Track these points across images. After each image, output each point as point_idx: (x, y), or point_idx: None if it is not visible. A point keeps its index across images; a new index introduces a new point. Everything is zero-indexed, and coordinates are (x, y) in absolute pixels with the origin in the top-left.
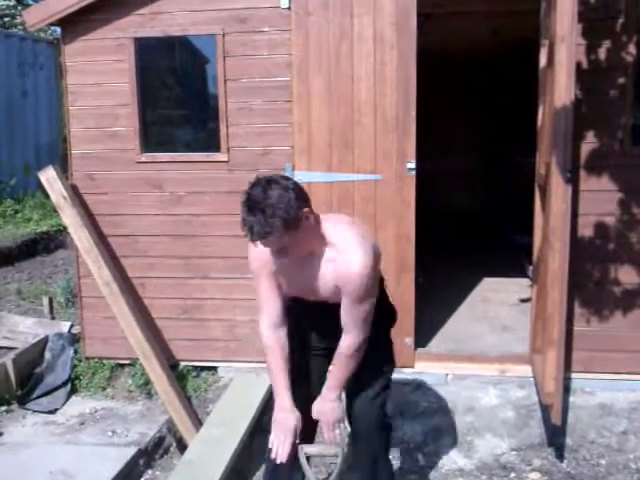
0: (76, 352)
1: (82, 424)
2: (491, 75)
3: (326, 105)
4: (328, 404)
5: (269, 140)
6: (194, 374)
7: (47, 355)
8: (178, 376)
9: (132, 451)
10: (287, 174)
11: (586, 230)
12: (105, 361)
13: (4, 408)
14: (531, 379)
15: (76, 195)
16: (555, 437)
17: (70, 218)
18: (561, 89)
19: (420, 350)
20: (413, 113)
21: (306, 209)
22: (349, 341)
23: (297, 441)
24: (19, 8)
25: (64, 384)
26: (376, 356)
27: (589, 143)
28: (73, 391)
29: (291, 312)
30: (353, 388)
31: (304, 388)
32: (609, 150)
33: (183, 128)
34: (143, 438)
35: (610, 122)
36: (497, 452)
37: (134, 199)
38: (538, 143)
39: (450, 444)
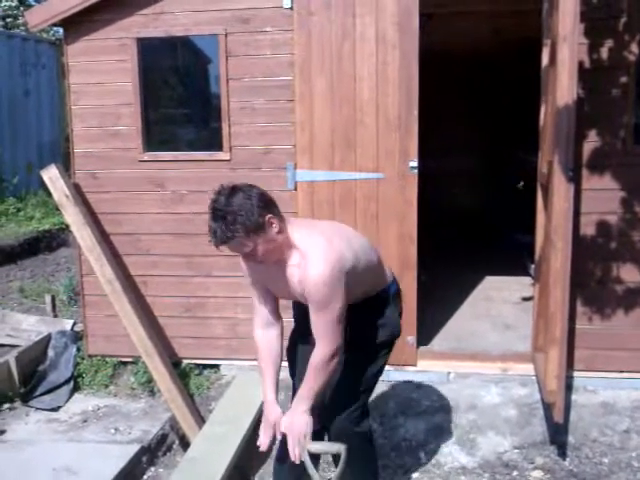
0: (79, 350)
1: (85, 421)
2: (493, 75)
3: (328, 104)
4: (296, 417)
5: (271, 139)
6: (196, 372)
7: (50, 353)
8: (180, 374)
9: (135, 448)
10: (289, 172)
11: (588, 229)
12: (108, 359)
13: (7, 405)
14: (533, 377)
15: (78, 193)
16: (557, 435)
17: (73, 216)
18: (563, 88)
19: (422, 348)
20: (415, 112)
21: (269, 215)
22: (317, 351)
23: (278, 435)
24: (21, 9)
25: (67, 382)
26: (353, 362)
27: (591, 142)
28: (76, 389)
29: (293, 310)
30: (329, 399)
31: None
32: (611, 149)
33: (185, 127)
34: (146, 435)
35: (612, 121)
36: (499, 450)
37: (136, 198)
38: (540, 142)
39: (452, 442)
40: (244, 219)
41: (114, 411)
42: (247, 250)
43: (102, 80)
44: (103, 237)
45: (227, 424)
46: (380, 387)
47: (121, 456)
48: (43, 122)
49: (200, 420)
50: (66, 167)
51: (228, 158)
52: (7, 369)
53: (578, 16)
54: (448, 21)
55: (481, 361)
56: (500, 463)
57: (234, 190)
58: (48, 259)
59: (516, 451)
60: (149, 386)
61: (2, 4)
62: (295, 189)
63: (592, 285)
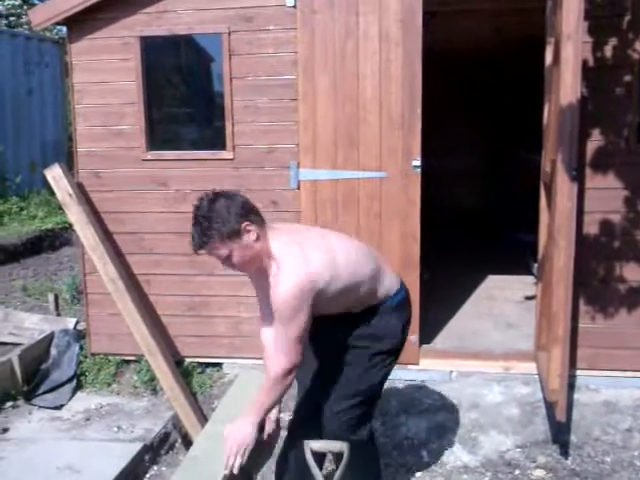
0: (82, 348)
1: (88, 420)
2: (495, 73)
3: (331, 103)
4: (240, 426)
5: (274, 138)
6: (199, 370)
7: (53, 351)
8: (183, 372)
9: (137, 447)
10: (292, 171)
11: (591, 228)
12: (110, 357)
13: (10, 404)
14: (536, 376)
15: (82, 193)
16: (560, 434)
17: (76, 215)
18: (567, 87)
19: (425, 347)
20: (418, 111)
21: (246, 223)
22: (273, 366)
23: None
24: (25, 7)
25: (70, 380)
26: (350, 370)
27: (595, 141)
28: (79, 387)
29: None
30: (321, 397)
31: (308, 383)
32: (615, 148)
33: (189, 126)
34: (148, 434)
35: (616, 120)
36: (502, 449)
37: (139, 197)
38: (544, 141)
39: (455, 441)
40: (220, 225)
41: (117, 409)
42: (223, 256)
43: (105, 79)
44: (106, 236)
45: (230, 422)
46: None
47: (123, 455)
48: (46, 121)
49: (203, 418)
50: (69, 166)
51: (231, 157)
52: (10, 367)
53: (582, 14)
54: (451, 19)
55: (483, 360)
56: (502, 462)
57: (216, 196)
58: (51, 258)
59: (518, 450)
60: (152, 384)
61: (5, 3)
62: (298, 188)
63: (595, 284)
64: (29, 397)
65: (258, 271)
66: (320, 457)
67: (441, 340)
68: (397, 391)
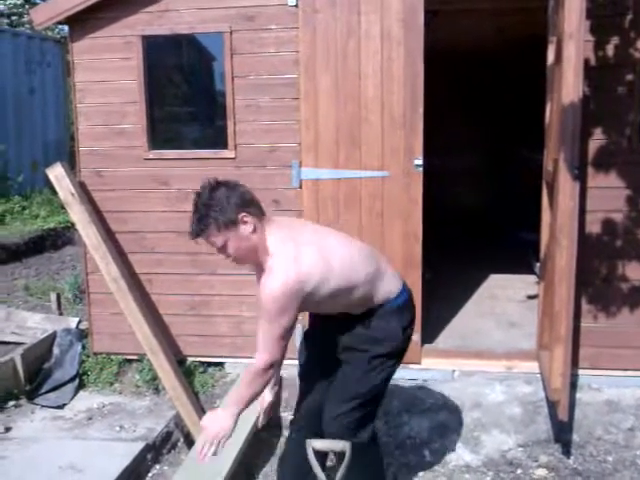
0: (84, 347)
1: (90, 419)
2: (496, 72)
3: (333, 102)
4: (219, 417)
5: (276, 137)
6: (201, 370)
7: (55, 350)
8: (185, 372)
9: (140, 446)
10: (294, 170)
11: (594, 227)
12: (113, 356)
13: (13, 403)
14: (538, 375)
15: (84, 192)
16: (562, 433)
17: (78, 215)
18: (569, 86)
19: (427, 346)
20: (420, 110)
21: (244, 213)
22: (255, 361)
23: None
24: (27, 7)
25: (72, 379)
26: (350, 373)
27: (597, 140)
28: (81, 386)
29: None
30: (321, 400)
31: (311, 383)
32: (617, 147)
33: (190, 125)
34: (151, 433)
35: (618, 119)
36: (504, 448)
37: (141, 196)
38: (546, 140)
39: (457, 440)
40: (217, 214)
41: (119, 409)
42: (218, 245)
43: (107, 78)
44: (108, 235)
45: None
46: None
47: (126, 454)
48: (48, 120)
49: None
50: (71, 165)
51: (233, 156)
52: (13, 367)
53: (584, 13)
54: (453, 18)
55: (486, 359)
56: (504, 461)
57: (218, 185)
58: (53, 257)
59: (520, 449)
60: (154, 384)
61: (7, 2)
62: (300, 187)
63: (597, 283)
64: (31, 396)
65: (257, 266)
66: (322, 456)
67: (443, 339)
68: (399, 390)
